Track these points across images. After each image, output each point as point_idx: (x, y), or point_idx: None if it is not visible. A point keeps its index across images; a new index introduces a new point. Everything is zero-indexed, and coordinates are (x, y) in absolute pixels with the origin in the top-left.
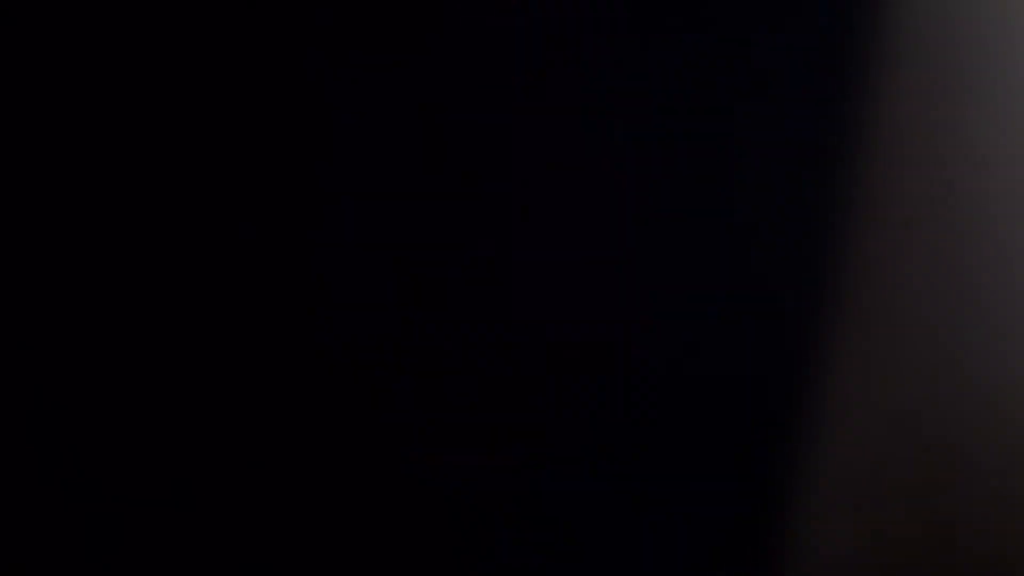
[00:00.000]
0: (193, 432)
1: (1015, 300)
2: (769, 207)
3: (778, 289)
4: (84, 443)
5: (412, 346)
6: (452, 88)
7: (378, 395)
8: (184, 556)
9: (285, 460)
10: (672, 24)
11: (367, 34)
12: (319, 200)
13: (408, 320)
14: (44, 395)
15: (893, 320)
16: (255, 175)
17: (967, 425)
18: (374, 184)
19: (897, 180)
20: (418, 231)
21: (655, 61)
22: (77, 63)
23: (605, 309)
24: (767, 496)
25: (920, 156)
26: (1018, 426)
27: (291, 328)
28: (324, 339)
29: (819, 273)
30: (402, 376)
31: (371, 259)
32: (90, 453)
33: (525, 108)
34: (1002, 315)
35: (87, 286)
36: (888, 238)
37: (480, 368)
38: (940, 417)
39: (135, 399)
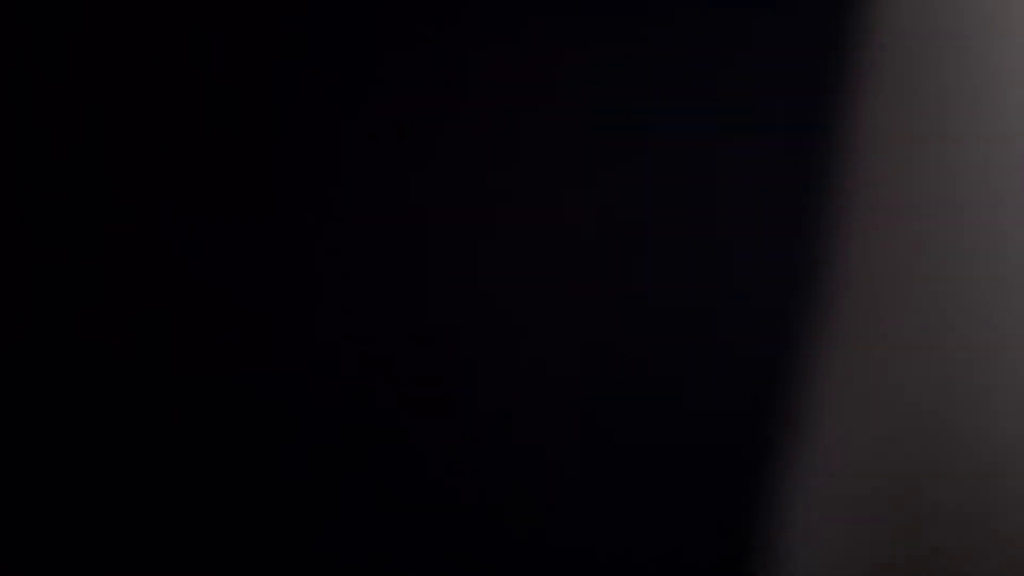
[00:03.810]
0: (190, 431)
1: (1008, 300)
2: (756, 209)
3: (769, 290)
4: (81, 442)
5: (402, 348)
6: (436, 83)
7: (372, 393)
8: (181, 555)
9: (281, 459)
10: (657, 26)
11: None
12: (310, 197)
13: (400, 323)
14: (43, 394)
15: (885, 322)
16: (251, 174)
17: (962, 425)
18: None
19: (888, 181)
20: (409, 233)
21: (640, 65)
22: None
23: (593, 314)
24: (759, 498)
25: (910, 156)
26: (1013, 426)
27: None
28: (317, 337)
29: (809, 275)
30: (394, 376)
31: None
32: (88, 452)
33: (513, 105)
34: (996, 315)
35: (84, 285)
36: (879, 238)
37: (472, 371)
38: (935, 418)
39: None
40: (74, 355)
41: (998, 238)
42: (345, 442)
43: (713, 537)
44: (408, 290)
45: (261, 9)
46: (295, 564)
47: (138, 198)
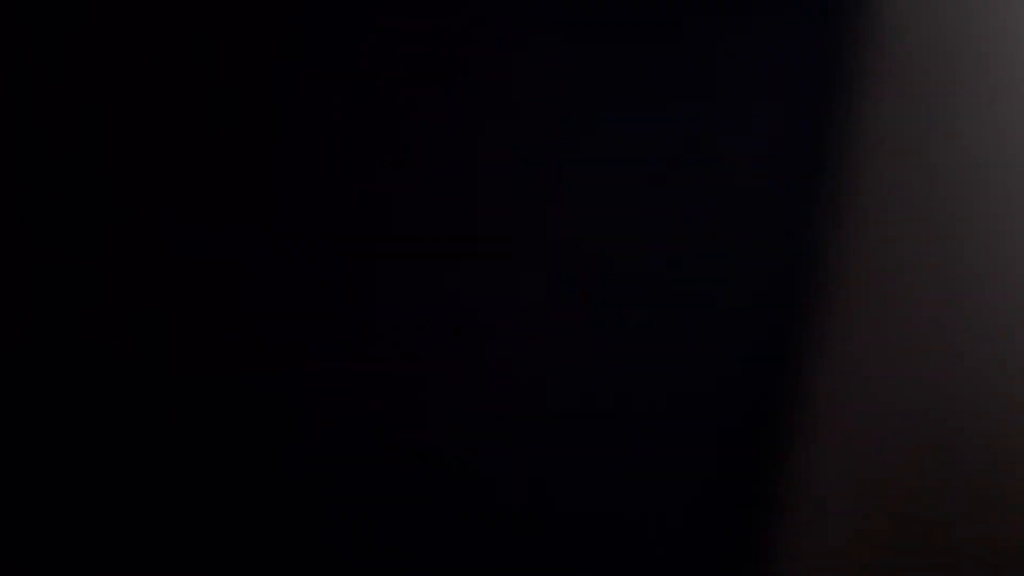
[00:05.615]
0: (189, 431)
1: (1009, 303)
2: (756, 211)
3: (771, 291)
4: (81, 442)
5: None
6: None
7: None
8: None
9: (281, 459)
10: (656, 25)
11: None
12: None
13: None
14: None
15: (884, 324)
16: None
17: (961, 426)
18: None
19: (889, 182)
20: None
21: (637, 68)
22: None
23: (593, 314)
24: (757, 499)
25: (911, 158)
26: (1013, 427)
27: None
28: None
29: (810, 277)
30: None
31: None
32: (88, 452)
33: (509, 106)
34: (996, 318)
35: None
36: (880, 240)
37: (472, 370)
38: (933, 420)
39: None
40: (74, 355)
41: (1001, 237)
42: (345, 442)
43: (714, 538)
44: (407, 290)
45: (261, 9)
46: (295, 564)
47: (138, 198)
